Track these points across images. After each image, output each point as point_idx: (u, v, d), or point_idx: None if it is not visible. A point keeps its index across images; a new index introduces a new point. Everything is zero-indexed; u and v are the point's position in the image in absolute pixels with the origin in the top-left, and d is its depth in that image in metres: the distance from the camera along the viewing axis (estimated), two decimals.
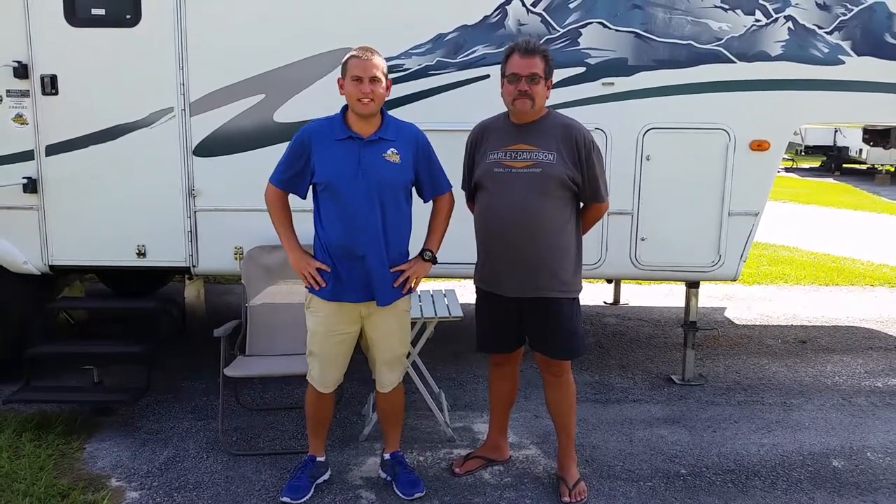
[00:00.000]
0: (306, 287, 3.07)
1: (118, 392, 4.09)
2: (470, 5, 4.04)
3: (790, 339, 5.56)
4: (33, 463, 3.45)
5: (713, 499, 3.26)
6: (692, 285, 4.47)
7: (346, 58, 2.96)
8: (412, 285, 3.12)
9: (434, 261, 3.16)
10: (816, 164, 21.86)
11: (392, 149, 2.97)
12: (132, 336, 4.87)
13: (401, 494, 3.23)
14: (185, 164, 4.16)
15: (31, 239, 4.23)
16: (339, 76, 2.98)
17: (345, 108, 3.01)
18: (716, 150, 4.13)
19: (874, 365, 5.01)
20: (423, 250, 3.16)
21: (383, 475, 3.37)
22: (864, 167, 19.83)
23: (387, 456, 3.38)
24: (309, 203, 3.09)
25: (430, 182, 3.13)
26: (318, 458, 3.32)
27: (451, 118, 4.01)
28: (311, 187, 3.05)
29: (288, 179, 3.04)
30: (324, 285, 3.00)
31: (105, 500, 3.17)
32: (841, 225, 11.27)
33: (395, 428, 3.39)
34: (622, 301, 6.51)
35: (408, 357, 3.77)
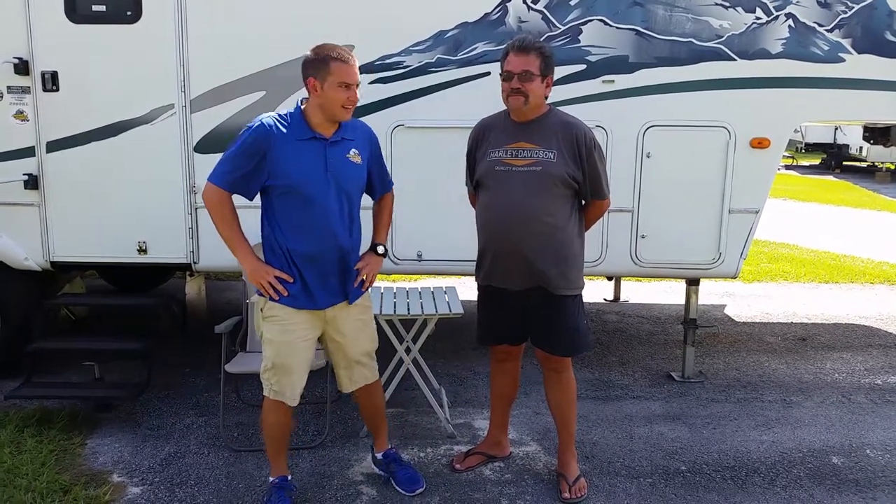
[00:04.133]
0: (262, 295, 2.88)
1: (119, 388, 4.10)
2: (471, 2, 4.04)
3: (790, 337, 5.57)
4: (35, 458, 3.46)
5: (713, 495, 3.27)
6: (692, 283, 4.47)
7: (322, 57, 2.75)
8: (369, 282, 3.04)
9: (386, 253, 3.11)
10: (816, 161, 21.88)
11: (354, 149, 2.90)
12: (133, 332, 4.88)
13: (402, 491, 3.22)
14: (186, 160, 4.16)
15: (32, 235, 4.23)
16: (312, 77, 2.76)
17: (299, 106, 2.86)
18: (716, 147, 4.14)
19: (874, 362, 5.02)
20: (374, 244, 3.09)
21: (378, 472, 3.34)
22: (864, 165, 19.85)
23: (379, 456, 3.32)
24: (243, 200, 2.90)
25: (381, 180, 3.10)
26: (289, 477, 3.15)
27: (451, 115, 4.01)
28: (259, 188, 2.85)
29: (236, 180, 2.80)
30: (285, 295, 2.83)
31: (106, 495, 3.18)
32: (841, 222, 11.28)
33: (382, 426, 3.33)
34: (622, 298, 6.51)
35: (408, 353, 3.79)
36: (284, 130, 2.80)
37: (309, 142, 2.81)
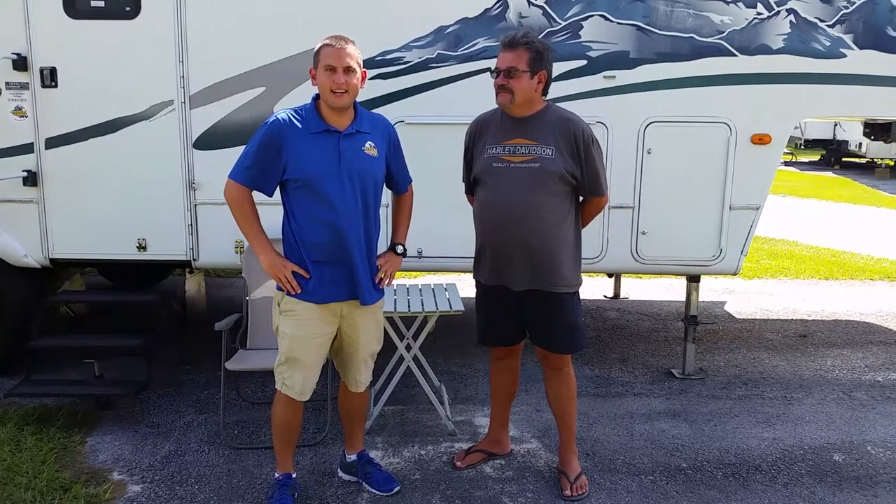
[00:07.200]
0: (280, 290, 2.89)
1: (119, 385, 4.09)
2: None
3: (790, 334, 5.57)
4: (35, 456, 3.45)
5: (714, 492, 3.26)
6: (693, 279, 4.47)
7: (318, 47, 2.80)
8: (389, 281, 3.05)
9: (405, 254, 3.10)
10: (816, 157, 21.87)
11: (370, 142, 2.86)
12: (133, 329, 4.86)
13: (379, 492, 3.17)
14: (186, 157, 4.15)
15: (31, 232, 4.22)
16: (311, 66, 2.82)
17: (315, 100, 2.86)
18: (717, 143, 4.13)
19: (874, 359, 5.01)
20: (393, 244, 3.08)
21: (347, 477, 3.29)
22: (863, 161, 19.84)
23: (352, 457, 3.28)
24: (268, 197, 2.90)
25: (401, 174, 3.07)
26: (293, 475, 3.14)
27: (451, 111, 4.00)
28: (276, 184, 2.85)
29: (255, 176, 2.80)
30: (299, 291, 2.84)
31: (107, 493, 3.18)
32: (841, 219, 11.28)
33: (361, 427, 3.32)
34: (622, 295, 6.51)
35: (409, 351, 3.78)
36: (299, 124, 2.80)
37: (322, 135, 2.80)
